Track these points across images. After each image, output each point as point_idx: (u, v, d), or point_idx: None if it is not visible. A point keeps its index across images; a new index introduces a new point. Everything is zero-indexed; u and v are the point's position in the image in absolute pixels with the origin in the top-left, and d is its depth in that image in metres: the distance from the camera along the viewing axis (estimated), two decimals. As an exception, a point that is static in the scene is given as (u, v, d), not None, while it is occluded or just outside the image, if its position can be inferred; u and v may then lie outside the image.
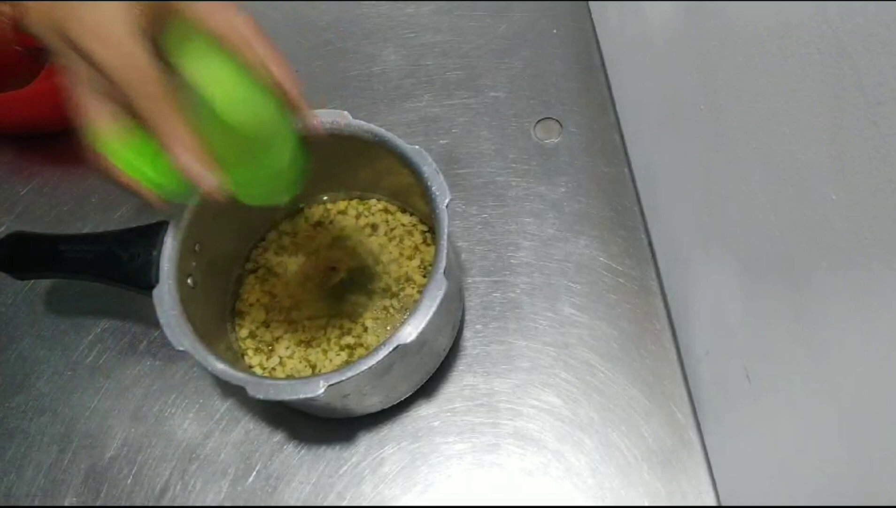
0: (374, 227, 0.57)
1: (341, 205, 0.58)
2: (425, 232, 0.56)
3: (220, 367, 0.43)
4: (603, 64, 0.67)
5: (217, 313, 0.53)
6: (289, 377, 0.52)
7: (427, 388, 0.53)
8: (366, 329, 0.53)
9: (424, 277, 0.54)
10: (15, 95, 0.61)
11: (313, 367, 0.52)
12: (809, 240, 0.37)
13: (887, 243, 0.31)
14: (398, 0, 0.73)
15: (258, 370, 0.52)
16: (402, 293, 0.54)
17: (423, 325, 0.42)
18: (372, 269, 0.55)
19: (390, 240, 0.56)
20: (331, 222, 0.57)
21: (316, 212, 0.58)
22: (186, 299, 0.47)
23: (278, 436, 0.53)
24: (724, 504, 0.49)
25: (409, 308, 0.53)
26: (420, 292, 0.44)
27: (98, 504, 0.52)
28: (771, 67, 0.39)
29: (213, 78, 0.35)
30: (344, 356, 0.52)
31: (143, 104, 0.33)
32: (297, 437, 0.53)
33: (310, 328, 0.53)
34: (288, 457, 0.53)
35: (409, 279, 0.54)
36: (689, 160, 0.54)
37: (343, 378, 0.41)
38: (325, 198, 0.58)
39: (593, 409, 0.52)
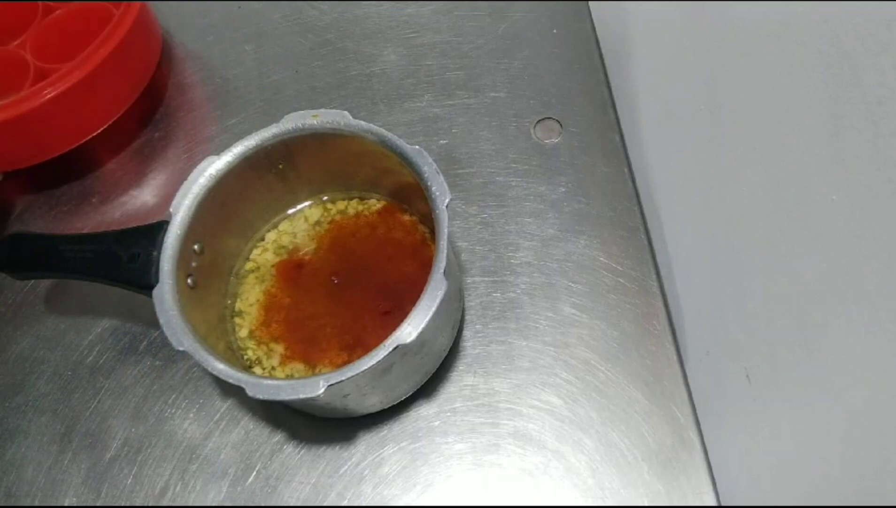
0: (373, 227, 0.57)
1: (341, 205, 0.58)
2: (425, 232, 0.56)
3: (220, 367, 0.43)
4: (603, 64, 0.67)
5: (217, 312, 0.53)
6: (289, 377, 0.52)
7: (427, 388, 0.53)
8: (366, 329, 0.53)
9: (425, 277, 0.54)
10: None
11: (313, 367, 0.52)
12: (809, 240, 0.37)
13: (887, 243, 0.31)
14: (398, 0, 0.73)
15: (258, 370, 0.52)
16: (402, 293, 0.53)
17: (422, 325, 0.42)
18: (372, 269, 0.55)
19: (390, 240, 0.56)
20: (331, 222, 0.57)
21: (316, 212, 0.58)
22: (186, 299, 0.47)
23: (278, 436, 0.53)
24: (724, 504, 0.49)
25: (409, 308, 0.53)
26: (420, 292, 0.44)
27: (98, 504, 0.52)
28: (771, 67, 0.39)
29: None
30: (344, 356, 0.52)
31: None
32: (297, 437, 0.53)
33: (310, 328, 0.53)
34: (288, 457, 0.53)
35: (409, 279, 0.54)
36: (689, 160, 0.54)
37: (343, 378, 0.41)
38: (325, 198, 0.58)
39: (593, 409, 0.52)
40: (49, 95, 0.59)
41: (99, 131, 0.64)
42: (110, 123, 0.65)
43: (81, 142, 0.64)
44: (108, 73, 0.62)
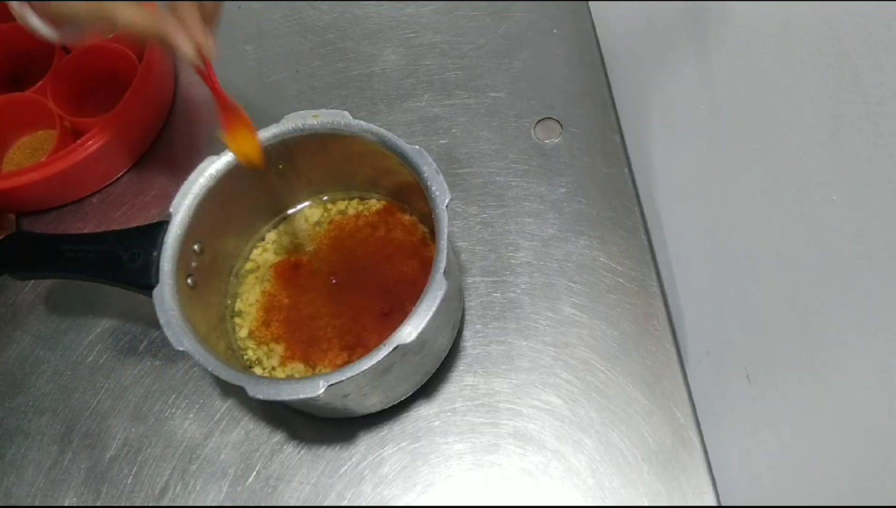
0: (374, 227, 0.57)
1: (341, 205, 0.58)
2: (425, 232, 0.56)
3: (220, 367, 0.43)
4: (603, 64, 0.67)
5: (217, 312, 0.53)
6: (289, 377, 0.52)
7: (427, 388, 0.53)
8: (366, 329, 0.53)
9: (425, 277, 0.54)
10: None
11: (313, 367, 0.52)
12: (809, 240, 0.37)
13: (887, 243, 0.31)
14: (398, 0, 0.73)
15: (258, 370, 0.52)
16: (402, 293, 0.53)
17: (422, 325, 0.42)
18: (372, 269, 0.55)
19: (390, 240, 0.56)
20: (331, 222, 0.57)
21: (316, 212, 0.58)
22: (186, 299, 0.47)
23: (278, 436, 0.53)
24: (724, 504, 0.49)
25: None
26: (420, 292, 0.44)
27: (98, 504, 0.52)
28: (771, 67, 0.39)
29: None
30: (344, 356, 0.52)
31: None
32: (297, 437, 0.53)
33: (310, 328, 0.53)
34: (288, 457, 0.53)
35: (409, 279, 0.54)
36: (689, 160, 0.54)
37: (343, 378, 0.41)
38: (325, 198, 0.58)
39: (593, 409, 0.52)
40: (89, 150, 0.61)
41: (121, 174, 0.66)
42: (133, 164, 0.66)
43: (105, 185, 0.66)
44: (136, 120, 0.64)
